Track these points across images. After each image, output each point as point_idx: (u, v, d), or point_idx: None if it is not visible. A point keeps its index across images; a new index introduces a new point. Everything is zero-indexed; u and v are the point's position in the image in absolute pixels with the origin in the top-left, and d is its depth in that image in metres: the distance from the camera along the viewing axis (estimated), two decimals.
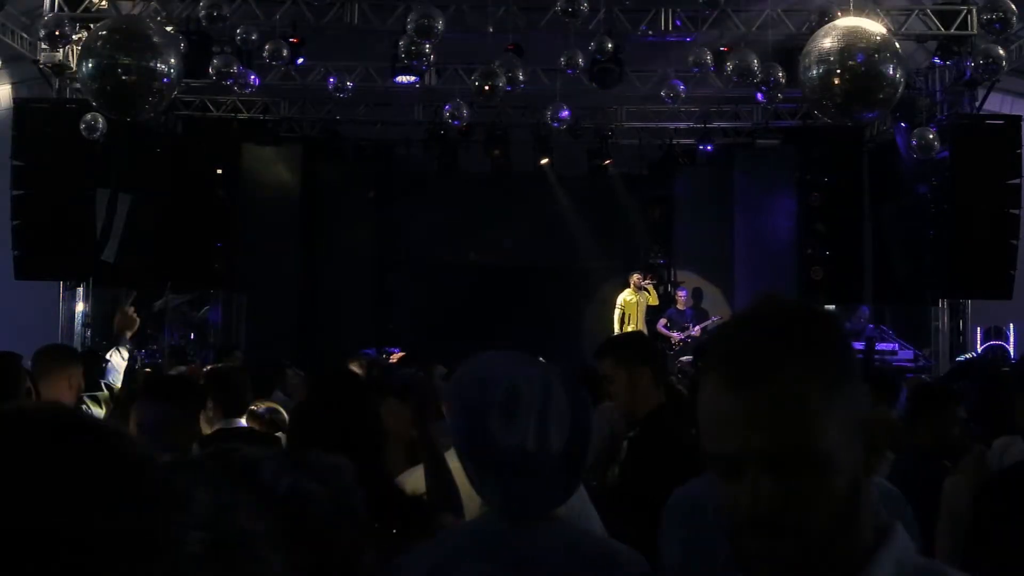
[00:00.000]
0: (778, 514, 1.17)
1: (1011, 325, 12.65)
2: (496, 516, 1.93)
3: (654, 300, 14.88)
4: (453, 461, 2.90)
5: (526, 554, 1.88)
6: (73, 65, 11.09)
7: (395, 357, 11.90)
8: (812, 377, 1.19)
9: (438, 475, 2.83)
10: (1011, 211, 11.74)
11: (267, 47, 11.00)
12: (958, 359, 12.27)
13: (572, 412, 1.92)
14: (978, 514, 2.92)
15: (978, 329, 12.84)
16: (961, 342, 12.93)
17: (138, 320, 5.29)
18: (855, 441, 1.21)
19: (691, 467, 3.39)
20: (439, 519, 2.70)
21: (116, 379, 5.72)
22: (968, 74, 11.61)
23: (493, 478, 1.91)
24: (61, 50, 11.42)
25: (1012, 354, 12.37)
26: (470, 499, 2.76)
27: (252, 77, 11.50)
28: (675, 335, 14.72)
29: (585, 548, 1.97)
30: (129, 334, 5.23)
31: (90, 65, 8.88)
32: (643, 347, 4.05)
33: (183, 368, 8.84)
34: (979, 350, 12.52)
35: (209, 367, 7.42)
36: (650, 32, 11.55)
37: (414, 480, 2.91)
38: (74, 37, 10.54)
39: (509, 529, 1.90)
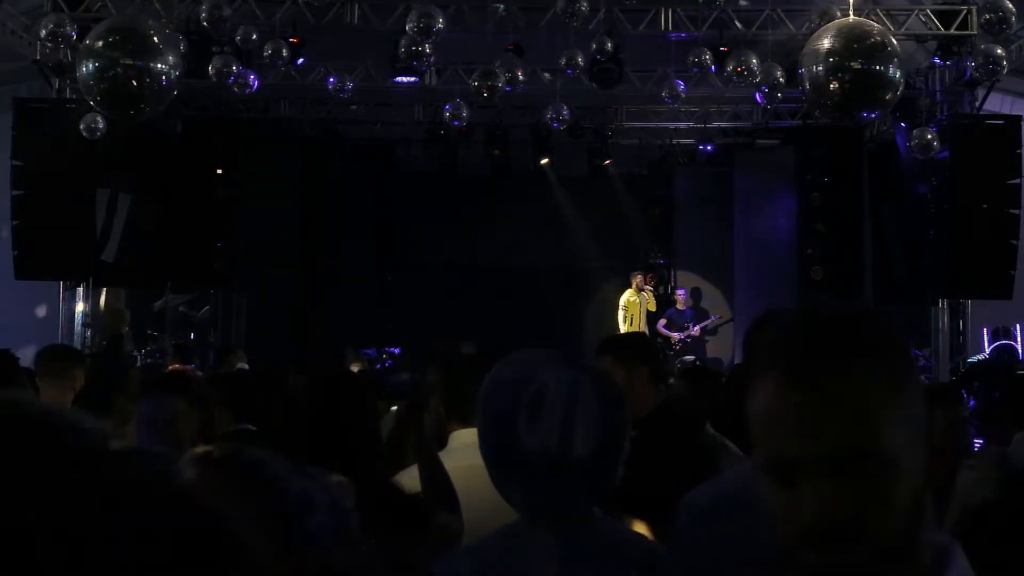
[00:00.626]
0: (842, 523, 1.10)
1: (1016, 326, 12.64)
2: (527, 519, 1.93)
3: (652, 306, 14.88)
4: (448, 462, 2.90)
5: (563, 556, 1.86)
6: (73, 65, 11.10)
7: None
8: (878, 377, 1.14)
9: (433, 474, 2.83)
10: (1011, 211, 11.75)
11: (267, 47, 10.99)
12: (969, 360, 12.26)
13: (603, 413, 1.89)
14: (1002, 513, 2.88)
15: (985, 330, 12.83)
16: (961, 342, 12.93)
17: (128, 315, 5.29)
18: (918, 446, 1.16)
19: (695, 466, 3.40)
20: (437, 519, 2.70)
21: None
22: (968, 74, 11.62)
23: (516, 480, 1.90)
24: (61, 50, 11.42)
25: (1021, 354, 12.37)
26: (468, 502, 2.76)
27: (252, 77, 11.50)
28: (675, 335, 14.73)
29: (626, 549, 1.95)
30: (126, 329, 5.23)
31: (91, 66, 8.89)
32: (642, 347, 4.05)
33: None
34: (987, 351, 12.51)
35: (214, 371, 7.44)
36: (650, 32, 11.57)
37: (412, 479, 2.91)
38: (74, 37, 10.54)
39: (546, 532, 1.88)
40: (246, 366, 10.24)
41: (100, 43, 8.83)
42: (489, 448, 1.94)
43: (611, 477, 1.96)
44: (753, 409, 1.18)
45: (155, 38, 8.97)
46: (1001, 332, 12.62)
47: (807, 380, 1.13)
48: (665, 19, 11.53)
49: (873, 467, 1.12)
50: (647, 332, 13.48)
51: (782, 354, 1.17)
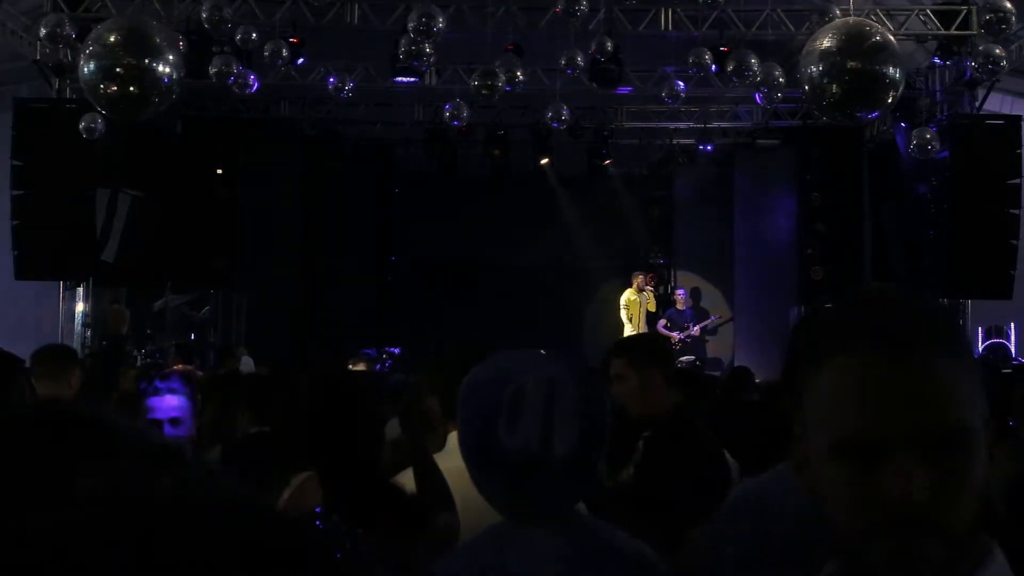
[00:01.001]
0: (931, 506, 1.05)
1: (1012, 324, 12.65)
2: (512, 520, 1.93)
3: (652, 306, 14.88)
4: (447, 462, 2.90)
5: (562, 556, 1.86)
6: (73, 65, 11.10)
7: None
8: (961, 358, 1.12)
9: (427, 476, 2.82)
10: (1011, 211, 11.75)
11: (267, 47, 10.99)
12: None
13: (584, 412, 1.89)
14: (1013, 508, 2.88)
15: (979, 329, 12.84)
16: None
17: (128, 314, 5.28)
18: (985, 435, 1.12)
19: (710, 467, 3.39)
20: (437, 519, 2.70)
21: None
22: (968, 74, 11.62)
23: (497, 480, 1.90)
24: (61, 50, 11.43)
25: (1013, 353, 12.38)
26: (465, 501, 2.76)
27: (252, 77, 11.50)
28: (675, 335, 14.73)
29: (621, 549, 1.95)
30: (125, 329, 5.22)
31: (92, 66, 8.89)
32: (656, 349, 4.07)
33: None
34: (980, 349, 12.52)
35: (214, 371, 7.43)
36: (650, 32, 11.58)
37: (412, 479, 2.90)
38: (74, 37, 10.54)
39: (541, 532, 1.88)
40: (251, 360, 10.26)
41: (101, 43, 8.83)
42: (470, 449, 1.94)
43: (592, 475, 1.96)
44: (824, 391, 1.13)
45: (156, 38, 8.97)
46: (994, 331, 12.63)
47: (902, 357, 1.09)
48: (665, 19, 11.53)
49: (963, 446, 1.08)
50: (647, 331, 13.48)
51: (866, 329, 1.12)
